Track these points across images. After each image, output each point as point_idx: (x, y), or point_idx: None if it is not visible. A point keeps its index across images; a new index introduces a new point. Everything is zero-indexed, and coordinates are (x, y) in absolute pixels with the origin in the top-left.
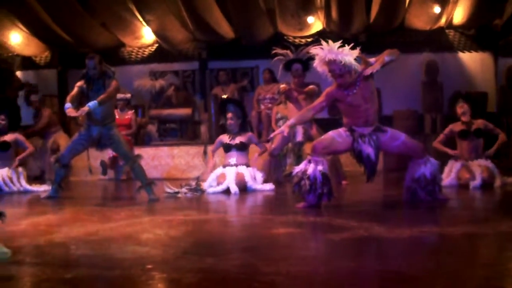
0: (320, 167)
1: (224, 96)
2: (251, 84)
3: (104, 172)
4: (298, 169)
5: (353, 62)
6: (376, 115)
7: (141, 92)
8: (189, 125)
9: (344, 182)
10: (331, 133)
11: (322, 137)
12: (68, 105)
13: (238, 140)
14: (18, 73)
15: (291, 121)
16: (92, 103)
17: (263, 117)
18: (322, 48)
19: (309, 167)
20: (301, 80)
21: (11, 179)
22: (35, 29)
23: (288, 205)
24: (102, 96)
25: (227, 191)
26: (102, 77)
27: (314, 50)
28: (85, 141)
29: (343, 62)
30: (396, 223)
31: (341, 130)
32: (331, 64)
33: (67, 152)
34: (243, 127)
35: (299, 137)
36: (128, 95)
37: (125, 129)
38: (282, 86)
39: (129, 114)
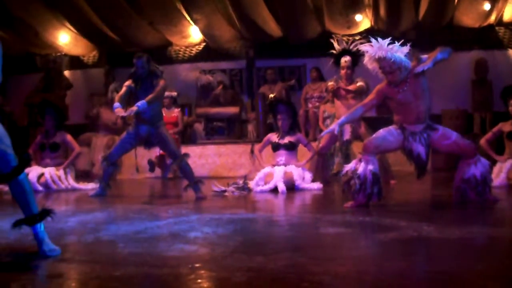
0: (370, 167)
1: (272, 95)
2: (298, 83)
3: (152, 170)
4: (348, 168)
5: (403, 59)
6: (428, 113)
7: (188, 90)
8: (236, 123)
9: (392, 182)
10: (382, 132)
11: (374, 135)
12: (117, 104)
13: (287, 139)
14: (66, 73)
15: (341, 119)
16: (141, 103)
17: (311, 116)
18: (372, 46)
19: (360, 166)
20: (350, 73)
21: (59, 177)
22: (83, 29)
23: (336, 204)
24: (150, 96)
25: (274, 190)
26: (150, 76)
27: (364, 47)
28: (134, 139)
29: (392, 60)
30: (446, 223)
31: (392, 128)
32: (381, 61)
33: (116, 150)
34: (293, 127)
35: (347, 136)
36: (174, 93)
37: (172, 126)
38: (330, 84)
39: (176, 111)
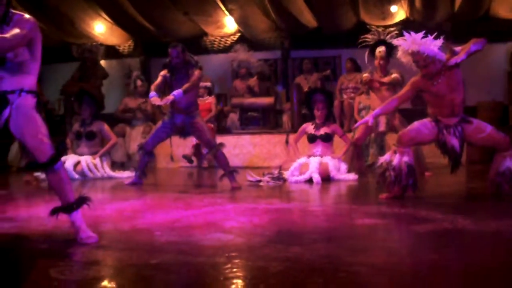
0: (405, 158)
1: (305, 86)
2: (333, 74)
3: (190, 162)
4: (383, 159)
5: (437, 52)
6: (462, 106)
7: (223, 80)
8: (271, 113)
9: (427, 174)
10: (417, 124)
11: (408, 127)
12: (153, 93)
13: (323, 131)
14: (102, 62)
15: (376, 111)
16: (177, 92)
17: (346, 107)
18: (405, 40)
19: (395, 158)
20: (384, 63)
21: (95, 166)
22: (119, 19)
23: (371, 196)
24: (186, 85)
25: (309, 181)
26: (185, 66)
27: (397, 41)
28: (169, 129)
29: (426, 53)
30: (481, 216)
31: (427, 120)
32: (415, 55)
33: (151, 139)
34: (329, 117)
35: (382, 127)
36: (208, 83)
37: (207, 113)
38: (365, 75)
39: (210, 99)
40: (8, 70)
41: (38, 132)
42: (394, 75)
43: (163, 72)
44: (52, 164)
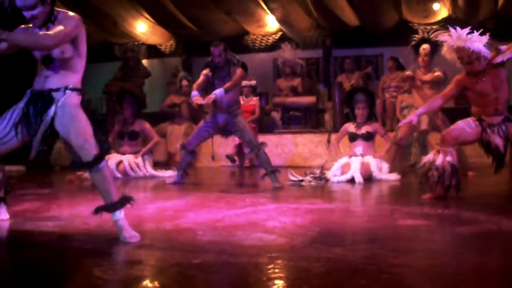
0: (449, 158)
1: (350, 83)
2: (375, 72)
3: (233, 161)
4: (426, 159)
5: (482, 49)
6: (506, 104)
7: (265, 79)
8: (313, 113)
9: (470, 174)
10: (460, 123)
11: (452, 127)
12: (195, 93)
13: (364, 129)
14: (144, 62)
15: (420, 109)
16: (218, 91)
17: (388, 106)
18: (450, 35)
19: (438, 158)
20: (427, 60)
21: (137, 165)
22: (161, 18)
23: (414, 196)
24: (228, 84)
25: (351, 180)
26: (227, 65)
27: (442, 37)
28: (211, 128)
29: (471, 49)
30: None
31: (470, 119)
32: (460, 51)
33: (194, 139)
34: (370, 116)
35: (424, 125)
36: (253, 82)
37: (250, 115)
38: (407, 73)
39: (254, 100)
40: (54, 68)
41: (83, 131)
42: (437, 73)
43: (205, 71)
44: (96, 163)
